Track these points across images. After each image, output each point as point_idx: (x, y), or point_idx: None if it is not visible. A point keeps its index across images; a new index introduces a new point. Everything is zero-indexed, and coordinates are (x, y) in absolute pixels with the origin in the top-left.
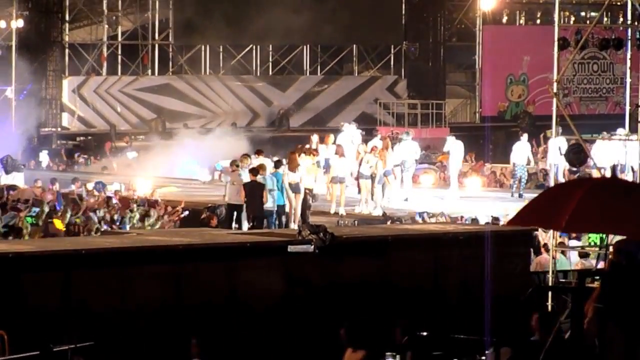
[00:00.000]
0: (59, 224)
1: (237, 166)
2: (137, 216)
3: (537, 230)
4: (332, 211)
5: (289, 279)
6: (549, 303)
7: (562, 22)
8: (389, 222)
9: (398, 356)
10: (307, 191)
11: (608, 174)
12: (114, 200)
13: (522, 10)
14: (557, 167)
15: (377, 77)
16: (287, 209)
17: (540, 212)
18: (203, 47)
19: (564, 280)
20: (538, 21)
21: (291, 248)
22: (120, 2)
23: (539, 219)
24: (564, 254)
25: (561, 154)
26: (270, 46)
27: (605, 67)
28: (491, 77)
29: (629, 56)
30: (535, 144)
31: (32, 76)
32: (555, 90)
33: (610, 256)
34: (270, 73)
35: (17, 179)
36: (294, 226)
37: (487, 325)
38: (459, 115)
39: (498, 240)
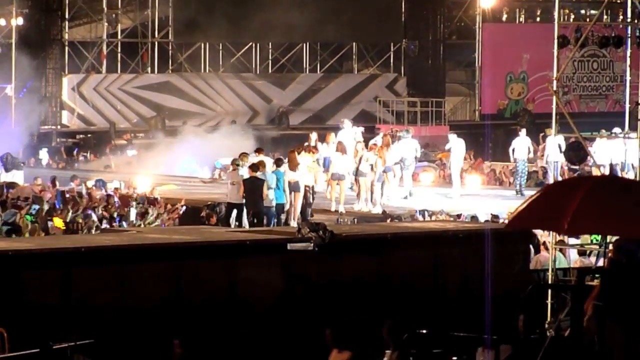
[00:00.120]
0: (58, 222)
1: (238, 165)
2: (135, 212)
3: None
4: (333, 209)
5: (288, 277)
6: (549, 301)
7: (561, 19)
8: (388, 220)
9: (396, 352)
10: (307, 189)
11: (607, 172)
12: (114, 198)
13: (522, 8)
14: (556, 165)
15: (376, 74)
16: (286, 207)
17: (540, 215)
18: (203, 44)
19: (563, 278)
20: (538, 19)
21: (291, 246)
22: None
23: (540, 222)
24: (562, 252)
25: (561, 152)
26: (270, 44)
27: (605, 65)
28: (491, 75)
29: (628, 54)
30: (535, 143)
31: (32, 74)
32: (555, 88)
33: (610, 254)
34: (270, 71)
35: (16, 176)
36: (293, 224)
37: (487, 323)
38: (458, 113)
39: (498, 238)
